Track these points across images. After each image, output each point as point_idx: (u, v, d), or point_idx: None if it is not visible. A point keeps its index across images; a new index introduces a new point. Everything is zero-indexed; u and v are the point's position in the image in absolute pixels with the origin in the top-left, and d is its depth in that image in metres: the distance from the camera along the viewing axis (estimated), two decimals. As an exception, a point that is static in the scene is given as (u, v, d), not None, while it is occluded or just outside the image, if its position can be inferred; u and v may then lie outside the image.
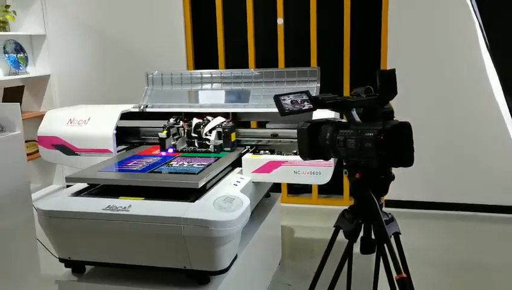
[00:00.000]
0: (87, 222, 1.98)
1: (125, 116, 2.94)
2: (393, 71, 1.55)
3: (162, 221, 1.89)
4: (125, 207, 1.96)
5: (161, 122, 2.82)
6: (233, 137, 2.67)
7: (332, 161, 2.32)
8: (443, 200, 4.09)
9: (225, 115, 2.81)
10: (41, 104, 4.78)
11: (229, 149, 2.63)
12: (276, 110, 1.59)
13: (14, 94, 4.34)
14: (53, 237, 2.07)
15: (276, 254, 3.11)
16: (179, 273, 1.99)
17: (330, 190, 4.37)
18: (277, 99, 1.57)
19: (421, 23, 3.92)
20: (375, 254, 1.70)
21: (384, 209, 1.60)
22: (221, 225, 1.86)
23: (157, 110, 3.01)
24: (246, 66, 4.28)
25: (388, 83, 1.54)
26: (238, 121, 2.86)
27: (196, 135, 2.70)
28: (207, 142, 2.66)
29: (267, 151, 2.58)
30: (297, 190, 4.52)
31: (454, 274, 3.05)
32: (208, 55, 4.43)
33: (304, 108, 1.58)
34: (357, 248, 1.66)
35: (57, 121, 2.90)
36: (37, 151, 3.58)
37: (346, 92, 4.08)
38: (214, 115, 2.79)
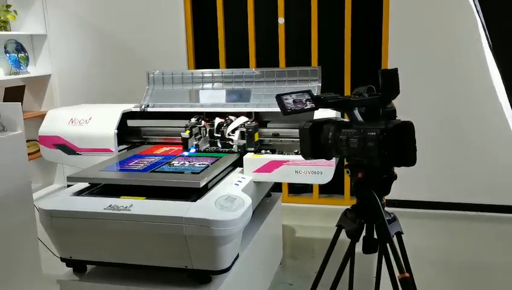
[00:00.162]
0: (89, 221, 1.98)
1: (126, 115, 2.94)
2: (395, 70, 1.54)
3: (164, 221, 1.89)
4: (126, 207, 1.96)
5: (161, 122, 2.81)
6: (256, 137, 2.63)
7: (333, 160, 2.31)
8: (445, 200, 4.08)
9: (247, 114, 2.78)
10: (42, 103, 4.78)
11: (252, 149, 2.59)
12: (277, 109, 1.59)
13: (15, 94, 4.34)
14: (54, 236, 2.07)
15: (277, 254, 3.11)
16: (181, 273, 1.99)
17: (331, 189, 4.36)
18: (279, 98, 1.57)
19: (422, 22, 3.92)
20: (377, 253, 1.70)
21: (386, 208, 1.60)
22: (223, 224, 1.86)
23: (158, 110, 3.01)
24: (247, 66, 4.28)
25: (390, 82, 1.54)
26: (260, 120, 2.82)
27: (219, 135, 2.68)
28: (230, 142, 2.64)
29: (268, 151, 2.57)
30: (298, 189, 4.51)
31: (457, 274, 3.05)
32: (209, 54, 4.43)
33: (306, 107, 1.57)
34: (359, 247, 1.65)
35: (58, 121, 2.91)
36: (38, 150, 3.58)
37: (347, 91, 4.08)
38: (237, 114, 2.77)
